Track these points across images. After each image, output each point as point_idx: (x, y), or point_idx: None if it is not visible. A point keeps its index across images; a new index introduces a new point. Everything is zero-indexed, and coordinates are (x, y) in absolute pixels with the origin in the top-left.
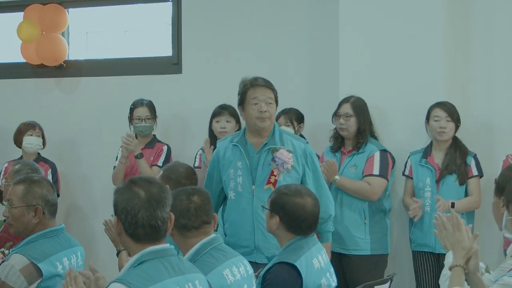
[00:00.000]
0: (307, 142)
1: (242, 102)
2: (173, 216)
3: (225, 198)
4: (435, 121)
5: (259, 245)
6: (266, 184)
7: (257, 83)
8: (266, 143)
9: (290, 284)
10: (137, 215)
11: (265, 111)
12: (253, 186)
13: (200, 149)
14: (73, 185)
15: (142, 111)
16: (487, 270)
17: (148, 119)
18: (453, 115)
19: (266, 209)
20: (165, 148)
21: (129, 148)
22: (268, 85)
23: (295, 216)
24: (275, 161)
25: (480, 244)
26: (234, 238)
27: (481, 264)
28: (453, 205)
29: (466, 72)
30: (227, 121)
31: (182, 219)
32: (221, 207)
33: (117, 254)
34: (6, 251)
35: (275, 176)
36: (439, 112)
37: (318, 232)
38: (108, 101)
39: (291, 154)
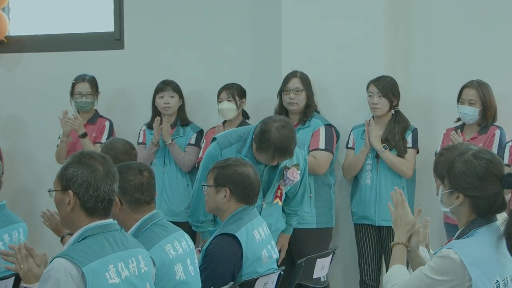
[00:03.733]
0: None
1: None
2: None
3: None
4: (369, 96)
5: None
6: (274, 199)
7: (280, 155)
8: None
9: (230, 254)
10: (99, 189)
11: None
12: (264, 202)
13: (144, 125)
14: (18, 162)
15: (83, 87)
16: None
17: (89, 94)
18: (386, 91)
19: (209, 186)
20: (107, 123)
21: (74, 128)
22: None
23: (245, 185)
24: (284, 180)
25: (420, 218)
26: None
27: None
28: (385, 147)
29: (408, 47)
30: (171, 96)
31: (137, 193)
32: None
33: (61, 240)
34: None
35: (281, 190)
36: (372, 88)
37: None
38: (51, 77)
39: (298, 171)
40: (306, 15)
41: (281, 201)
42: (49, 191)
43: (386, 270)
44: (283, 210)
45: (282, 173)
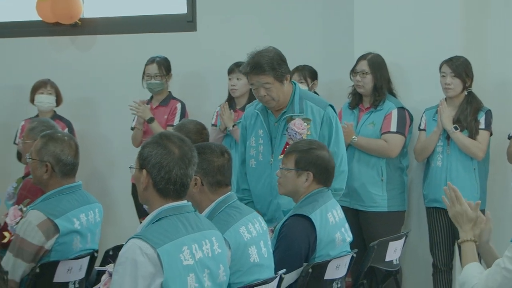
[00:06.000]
0: (330, 105)
1: None
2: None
3: None
4: (442, 76)
5: (274, 215)
6: (281, 154)
7: (245, 70)
8: (284, 112)
9: (304, 236)
10: (171, 171)
11: (264, 96)
12: (272, 155)
13: (219, 106)
14: (90, 143)
15: (152, 68)
16: None
17: (157, 76)
18: (460, 71)
19: (288, 169)
20: (178, 106)
21: (139, 115)
22: (257, 72)
23: (327, 169)
24: (288, 132)
25: (492, 201)
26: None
27: None
28: (456, 128)
29: (483, 26)
30: (238, 79)
31: (219, 175)
32: None
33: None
34: (24, 208)
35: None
36: (445, 68)
37: None
38: (123, 59)
39: (305, 124)
40: None
41: None
42: (130, 167)
43: (459, 255)
44: None
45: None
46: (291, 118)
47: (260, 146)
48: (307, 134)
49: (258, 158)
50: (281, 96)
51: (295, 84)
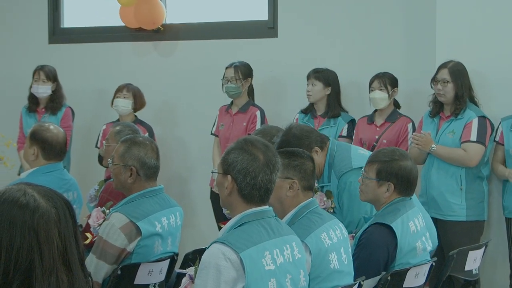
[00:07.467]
0: (349, 169)
1: None
2: None
3: None
4: None
5: None
6: None
7: None
8: (318, 181)
9: (384, 244)
10: (257, 177)
11: None
12: None
13: (298, 112)
14: (170, 147)
15: (229, 72)
16: None
17: (233, 79)
18: None
19: (369, 178)
20: (258, 113)
21: None
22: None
23: (408, 180)
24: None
25: None
26: None
27: None
28: None
29: None
30: (313, 84)
31: (312, 179)
32: None
33: None
34: (107, 210)
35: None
36: None
37: None
38: (205, 64)
39: (325, 198)
40: (462, 3)
41: None
42: (212, 172)
43: None
44: None
45: None
46: (316, 190)
47: None
48: (331, 207)
49: None
50: (316, 170)
51: (330, 144)
